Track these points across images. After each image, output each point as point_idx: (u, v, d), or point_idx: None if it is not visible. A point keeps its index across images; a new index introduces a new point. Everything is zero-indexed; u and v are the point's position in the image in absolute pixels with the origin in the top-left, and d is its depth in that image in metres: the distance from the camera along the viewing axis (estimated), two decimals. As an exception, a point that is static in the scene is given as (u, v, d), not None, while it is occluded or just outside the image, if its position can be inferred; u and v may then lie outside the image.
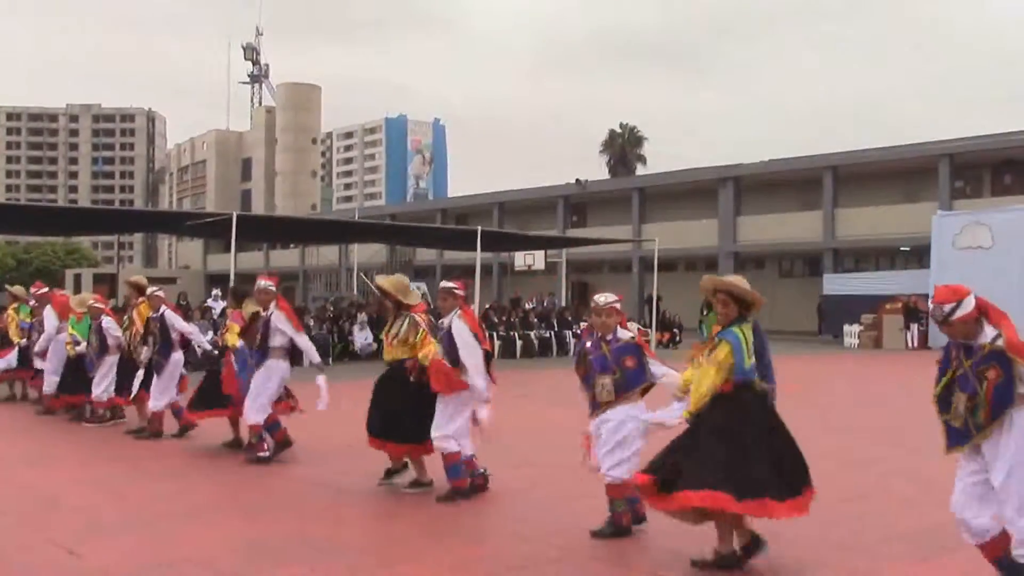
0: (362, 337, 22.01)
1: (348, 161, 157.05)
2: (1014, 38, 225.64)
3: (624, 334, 6.09)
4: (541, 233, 37.11)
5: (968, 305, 4.51)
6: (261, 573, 5.35)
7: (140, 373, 10.65)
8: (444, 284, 7.29)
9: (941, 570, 5.42)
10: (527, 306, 28.94)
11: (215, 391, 9.47)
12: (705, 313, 23.17)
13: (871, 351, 28.05)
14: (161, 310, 10.46)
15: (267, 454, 8.66)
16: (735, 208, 40.55)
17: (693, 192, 43.21)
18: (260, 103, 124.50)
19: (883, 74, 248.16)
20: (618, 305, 6.14)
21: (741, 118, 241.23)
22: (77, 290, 36.75)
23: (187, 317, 15.84)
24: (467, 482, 7.10)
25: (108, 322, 11.21)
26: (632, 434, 5.93)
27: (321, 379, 8.41)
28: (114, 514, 6.79)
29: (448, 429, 6.95)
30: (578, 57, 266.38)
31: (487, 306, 27.75)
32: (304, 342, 8.92)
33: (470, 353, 6.91)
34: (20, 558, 5.63)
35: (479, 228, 25.60)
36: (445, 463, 7.05)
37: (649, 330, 26.77)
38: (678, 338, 29.05)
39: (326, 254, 53.30)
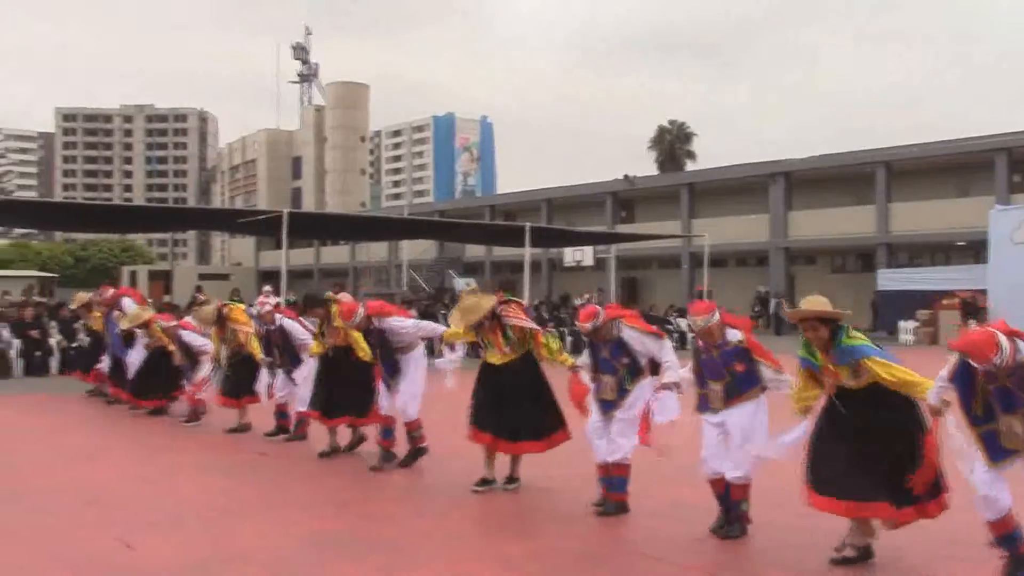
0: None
1: (397, 159, 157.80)
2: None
3: (734, 336, 5.93)
4: (590, 229, 36.96)
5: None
6: (312, 568, 5.40)
7: (262, 378, 10.18)
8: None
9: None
10: (576, 302, 28.86)
11: (342, 396, 8.84)
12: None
13: (927, 347, 27.59)
14: (278, 321, 9.85)
15: (426, 445, 8.30)
16: (786, 203, 40.04)
17: (743, 187, 42.73)
18: (310, 102, 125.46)
19: (934, 65, 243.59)
20: (711, 316, 5.92)
21: (789, 113, 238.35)
22: (132, 287, 37.34)
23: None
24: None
25: (189, 336, 11.24)
26: (756, 433, 5.84)
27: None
28: (168, 509, 6.88)
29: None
30: (626, 53, 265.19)
31: (536, 302, 27.73)
32: (428, 327, 8.60)
33: (659, 348, 6.52)
34: (76, 550, 5.74)
35: (528, 224, 25.55)
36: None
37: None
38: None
39: (376, 250, 53.66)
